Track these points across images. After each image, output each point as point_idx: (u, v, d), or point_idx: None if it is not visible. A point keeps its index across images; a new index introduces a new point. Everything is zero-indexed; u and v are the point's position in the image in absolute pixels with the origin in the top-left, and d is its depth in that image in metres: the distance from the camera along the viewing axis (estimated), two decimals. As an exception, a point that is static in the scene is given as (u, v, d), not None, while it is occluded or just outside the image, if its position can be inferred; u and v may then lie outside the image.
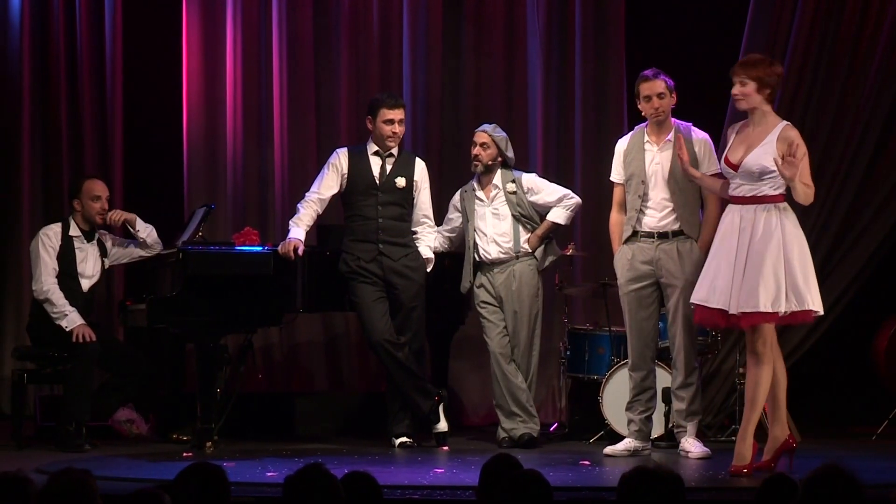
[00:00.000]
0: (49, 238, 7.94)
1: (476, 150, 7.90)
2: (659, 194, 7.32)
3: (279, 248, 7.71)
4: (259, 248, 7.84)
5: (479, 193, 7.95)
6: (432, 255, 7.99)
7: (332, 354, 9.27)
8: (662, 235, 7.33)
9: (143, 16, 9.28)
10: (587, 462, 7.01)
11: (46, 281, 7.84)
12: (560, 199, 7.92)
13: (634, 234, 7.38)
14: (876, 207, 8.61)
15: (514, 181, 7.91)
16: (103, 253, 8.10)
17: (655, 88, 7.32)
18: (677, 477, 3.67)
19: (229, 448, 7.57)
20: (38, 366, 8.02)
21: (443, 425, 7.80)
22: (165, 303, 7.62)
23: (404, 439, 7.76)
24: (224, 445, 7.60)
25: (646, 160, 7.36)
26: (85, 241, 8.02)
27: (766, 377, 6.46)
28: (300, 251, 7.67)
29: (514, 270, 7.85)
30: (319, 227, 8.59)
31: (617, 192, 7.53)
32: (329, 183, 7.87)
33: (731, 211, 6.58)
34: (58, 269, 7.89)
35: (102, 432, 8.10)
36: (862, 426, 8.25)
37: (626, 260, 7.40)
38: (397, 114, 7.82)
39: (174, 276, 7.69)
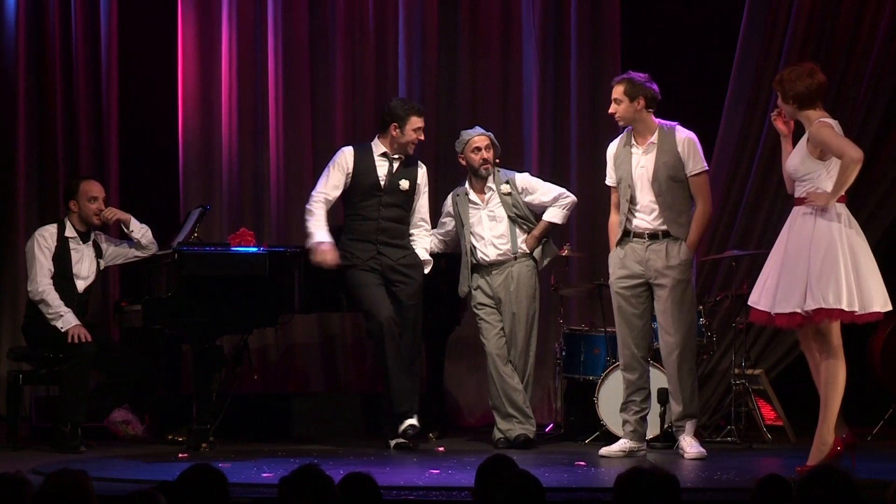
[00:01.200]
0: (45, 239, 7.93)
1: (482, 155, 7.88)
2: (645, 197, 7.33)
3: (314, 257, 7.70)
4: (255, 249, 7.83)
5: (473, 197, 7.94)
6: (430, 258, 7.99)
7: (328, 355, 9.27)
8: (653, 236, 7.33)
9: (139, 17, 9.28)
10: (583, 463, 7.01)
11: (42, 282, 7.83)
12: (556, 199, 7.92)
13: (627, 234, 7.39)
14: (872, 206, 8.62)
15: (508, 182, 7.91)
16: (99, 254, 8.10)
17: (613, 93, 7.36)
18: (673, 478, 3.68)
19: (225, 449, 7.57)
20: (34, 367, 8.01)
21: (413, 422, 7.71)
22: (161, 304, 7.61)
23: (400, 440, 7.75)
24: (220, 446, 7.61)
25: (632, 163, 7.37)
26: (81, 242, 8.01)
27: (831, 372, 6.40)
28: (338, 259, 7.72)
29: (511, 272, 7.84)
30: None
31: (612, 195, 7.53)
32: (335, 182, 7.86)
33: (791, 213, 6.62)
34: (53, 269, 7.88)
35: (98, 433, 8.10)
36: (858, 426, 8.25)
37: (617, 259, 7.41)
38: (423, 121, 7.90)
39: (170, 276, 7.69)
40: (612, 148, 7.52)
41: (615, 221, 7.49)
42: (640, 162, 7.34)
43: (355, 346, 9.17)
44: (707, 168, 7.39)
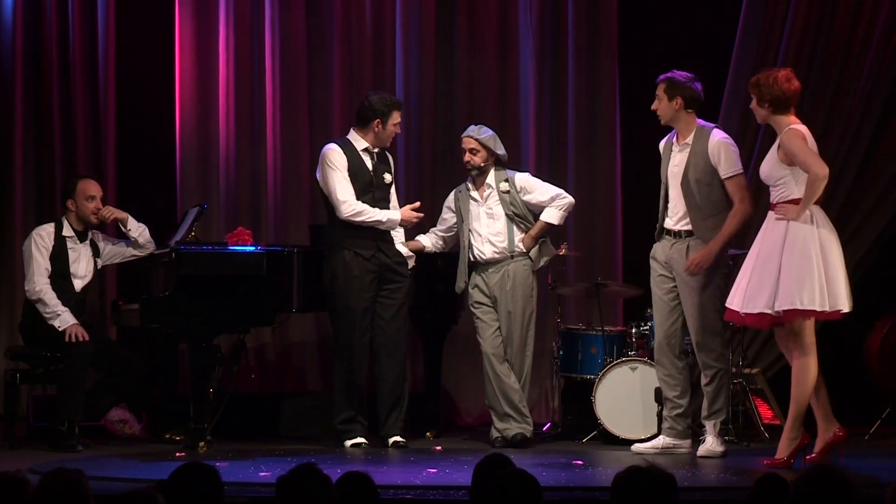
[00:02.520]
0: (42, 238, 7.93)
1: (466, 157, 7.89)
2: (676, 196, 7.29)
3: (407, 223, 7.82)
4: (252, 248, 7.82)
5: (474, 193, 7.95)
6: (411, 253, 7.98)
7: (325, 354, 9.26)
8: (677, 235, 7.31)
9: (136, 16, 9.27)
10: (580, 462, 7.02)
11: (39, 281, 7.83)
12: (552, 199, 7.91)
13: (662, 231, 7.37)
14: (868, 208, 8.64)
15: (507, 181, 7.91)
16: (96, 253, 8.10)
17: (656, 90, 7.33)
18: (670, 477, 3.67)
19: (222, 448, 7.57)
20: (31, 366, 8.00)
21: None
22: (158, 303, 7.61)
23: (397, 439, 7.76)
24: (217, 445, 7.60)
25: (670, 161, 7.34)
26: (78, 242, 8.01)
27: (802, 368, 6.63)
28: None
29: (508, 270, 7.84)
30: (311, 228, 8.59)
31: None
32: (350, 186, 7.76)
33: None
34: (50, 269, 7.88)
35: (95, 432, 8.10)
36: (855, 426, 8.26)
37: (654, 250, 7.40)
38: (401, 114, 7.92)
39: (167, 276, 7.69)
40: (662, 143, 7.48)
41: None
42: (675, 161, 7.31)
43: (352, 345, 9.17)
44: (741, 171, 7.22)
